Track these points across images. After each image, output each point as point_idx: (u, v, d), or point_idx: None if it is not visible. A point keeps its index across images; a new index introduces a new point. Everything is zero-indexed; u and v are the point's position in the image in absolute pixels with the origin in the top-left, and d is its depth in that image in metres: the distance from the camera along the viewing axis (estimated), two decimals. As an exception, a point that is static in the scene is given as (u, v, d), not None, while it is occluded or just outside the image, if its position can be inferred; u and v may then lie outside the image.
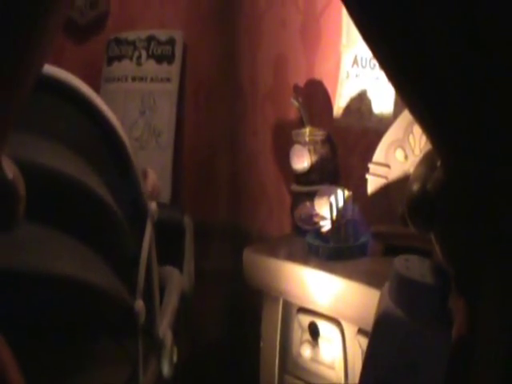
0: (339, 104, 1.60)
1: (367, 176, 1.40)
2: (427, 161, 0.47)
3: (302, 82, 1.70)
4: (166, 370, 1.01)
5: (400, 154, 1.36)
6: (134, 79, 1.92)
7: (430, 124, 0.41)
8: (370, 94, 1.53)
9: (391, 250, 1.32)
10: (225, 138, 1.97)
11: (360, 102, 1.55)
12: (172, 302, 1.09)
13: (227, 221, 1.98)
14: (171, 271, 1.18)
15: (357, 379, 1.22)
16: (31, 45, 0.40)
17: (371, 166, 1.40)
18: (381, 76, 1.49)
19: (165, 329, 1.01)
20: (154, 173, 1.16)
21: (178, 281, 1.17)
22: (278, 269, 1.43)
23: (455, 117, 0.38)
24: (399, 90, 0.41)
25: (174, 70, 1.90)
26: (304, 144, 1.57)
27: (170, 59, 1.90)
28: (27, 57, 0.40)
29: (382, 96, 1.50)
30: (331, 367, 1.35)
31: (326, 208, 1.41)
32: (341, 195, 1.41)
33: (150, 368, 0.96)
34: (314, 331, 1.38)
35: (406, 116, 1.34)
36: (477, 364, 0.40)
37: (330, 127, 1.61)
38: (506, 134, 0.36)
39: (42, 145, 0.83)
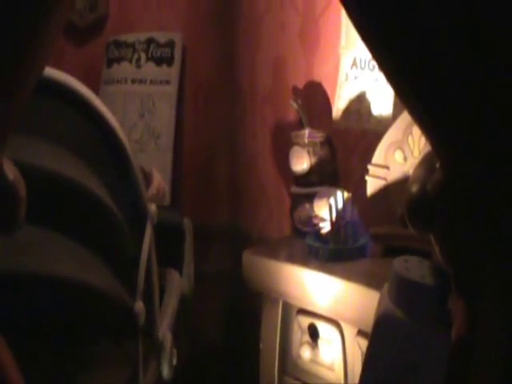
0: (338, 106, 1.61)
1: (366, 177, 1.41)
2: (426, 162, 0.47)
3: (301, 84, 1.70)
4: (166, 371, 1.01)
5: (399, 155, 1.36)
6: (133, 81, 1.92)
7: (429, 125, 0.41)
8: (369, 96, 1.53)
9: (391, 251, 1.32)
10: (224, 140, 1.97)
11: (359, 103, 1.56)
12: (172, 303, 1.10)
13: (227, 223, 1.98)
14: (171, 273, 1.18)
15: (356, 380, 1.22)
16: (33, 45, 0.40)
17: (370, 168, 1.40)
18: (380, 78, 1.49)
19: (164, 330, 1.01)
20: (160, 174, 1.16)
21: (177, 283, 1.17)
22: (277, 270, 1.43)
23: (455, 117, 0.38)
24: (398, 90, 0.41)
25: (173, 72, 1.90)
26: (303, 146, 1.57)
27: (169, 61, 1.90)
28: (28, 57, 0.40)
29: (381, 98, 1.50)
30: (331, 368, 1.35)
31: (326, 210, 1.41)
32: (340, 197, 1.41)
33: (149, 369, 0.96)
34: (313, 333, 1.38)
35: (405, 117, 1.34)
36: (476, 364, 0.40)
37: (330, 129, 1.61)
38: (506, 134, 0.36)
39: (42, 147, 0.83)
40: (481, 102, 0.36)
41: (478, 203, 0.39)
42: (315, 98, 1.67)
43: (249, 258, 1.50)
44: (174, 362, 1.04)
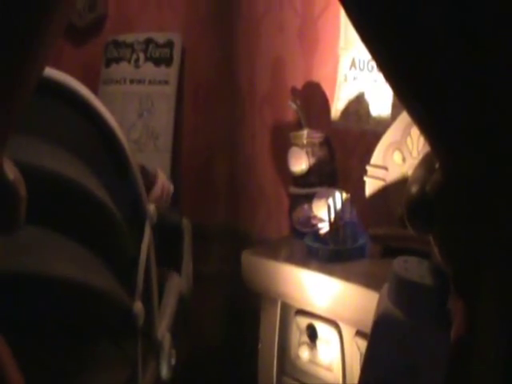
0: (337, 106, 1.61)
1: (365, 178, 1.41)
2: (426, 163, 0.47)
3: (300, 85, 1.70)
4: (165, 372, 1.01)
5: (398, 156, 1.36)
6: (132, 81, 1.92)
7: (428, 125, 0.41)
8: (367, 97, 1.54)
9: (389, 251, 1.33)
10: (223, 141, 1.97)
11: (358, 104, 1.56)
12: (170, 304, 1.09)
13: (225, 223, 1.98)
14: (170, 274, 1.18)
15: (355, 381, 1.22)
16: (34, 45, 0.40)
17: (369, 169, 1.40)
18: (379, 78, 1.50)
19: (163, 331, 1.01)
20: (164, 175, 1.15)
21: (176, 283, 1.17)
22: (276, 271, 1.43)
23: (454, 118, 0.38)
24: (397, 91, 0.41)
25: (172, 72, 1.90)
26: (302, 146, 1.57)
27: (168, 62, 1.90)
28: (30, 57, 0.40)
29: (380, 98, 1.51)
30: (329, 369, 1.36)
31: (324, 210, 1.41)
32: (339, 197, 1.41)
33: (148, 370, 0.96)
34: (312, 333, 1.38)
35: (403, 118, 1.34)
36: (476, 364, 0.40)
37: (328, 130, 1.61)
38: (506, 134, 0.36)
39: (41, 147, 0.83)
40: (480, 102, 0.36)
41: (477, 203, 0.39)
42: (314, 98, 1.67)
43: (248, 258, 1.50)
44: (173, 362, 1.04)
